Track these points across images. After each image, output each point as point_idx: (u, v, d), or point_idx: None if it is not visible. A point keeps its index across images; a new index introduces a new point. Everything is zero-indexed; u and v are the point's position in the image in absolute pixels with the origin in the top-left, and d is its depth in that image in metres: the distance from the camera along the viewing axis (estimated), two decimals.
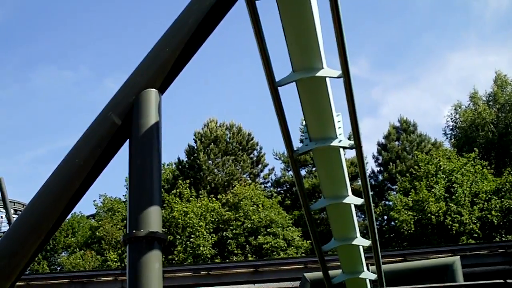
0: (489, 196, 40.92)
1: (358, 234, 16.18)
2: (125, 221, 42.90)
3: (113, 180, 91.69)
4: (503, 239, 37.26)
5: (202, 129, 56.43)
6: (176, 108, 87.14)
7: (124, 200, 51.90)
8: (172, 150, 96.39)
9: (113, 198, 53.67)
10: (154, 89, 14.53)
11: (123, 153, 16.14)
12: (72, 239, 52.72)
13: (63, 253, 53.07)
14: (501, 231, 39.28)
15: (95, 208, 53.62)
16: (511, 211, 39.65)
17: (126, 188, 50.94)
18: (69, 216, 46.12)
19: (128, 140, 14.84)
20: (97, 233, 47.54)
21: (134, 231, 15.55)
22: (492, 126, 53.95)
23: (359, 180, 16.11)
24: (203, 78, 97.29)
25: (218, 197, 46.19)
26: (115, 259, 41.98)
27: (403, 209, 41.68)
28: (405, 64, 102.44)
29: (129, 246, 16.01)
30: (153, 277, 15.90)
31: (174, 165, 56.15)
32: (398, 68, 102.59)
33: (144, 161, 15.40)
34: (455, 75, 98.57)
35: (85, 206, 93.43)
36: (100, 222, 48.86)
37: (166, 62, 14.42)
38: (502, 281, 13.36)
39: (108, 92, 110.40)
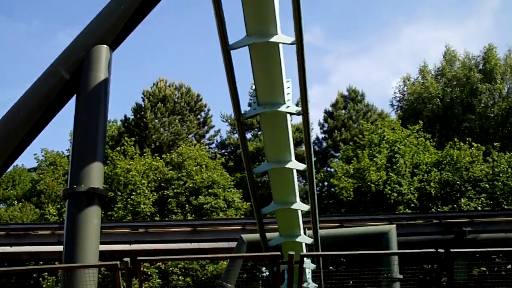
0: (429, 168, 41.61)
1: (297, 199, 16.43)
2: (66, 176, 42.55)
3: (56, 134, 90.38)
4: (438, 210, 37.99)
5: (151, 88, 56.01)
6: (125, 65, 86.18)
7: (67, 154, 51.36)
8: (119, 107, 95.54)
9: (55, 152, 53.07)
10: (105, 46, 14.45)
11: (70, 107, 15.99)
12: (12, 191, 52.07)
13: (1, 205, 52.41)
14: (438, 202, 39.97)
15: (36, 162, 53.01)
16: (449, 183, 40.38)
17: (70, 142, 50.44)
18: (10, 168, 45.48)
19: (75, 95, 14.73)
20: (38, 187, 46.98)
21: (75, 186, 15.62)
22: (438, 100, 54.76)
23: (303, 146, 16.33)
24: (155, 37, 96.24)
25: (163, 156, 46.06)
26: (54, 213, 41.60)
27: (344, 176, 42.12)
28: (359, 34, 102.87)
29: (68, 201, 16.07)
30: (91, 232, 16.01)
31: (119, 122, 55.66)
32: (351, 38, 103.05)
33: (90, 117, 15.38)
34: (407, 48, 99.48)
35: (28, 158, 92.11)
36: (41, 176, 48.26)
37: (120, 19, 14.34)
38: (433, 250, 13.70)
39: (60, 47, 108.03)
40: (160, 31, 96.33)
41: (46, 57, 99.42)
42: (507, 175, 39.60)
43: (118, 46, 15.91)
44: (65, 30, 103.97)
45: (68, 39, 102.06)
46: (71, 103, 16.03)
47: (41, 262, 32.08)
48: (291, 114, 13.53)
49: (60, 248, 17.86)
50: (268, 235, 18.36)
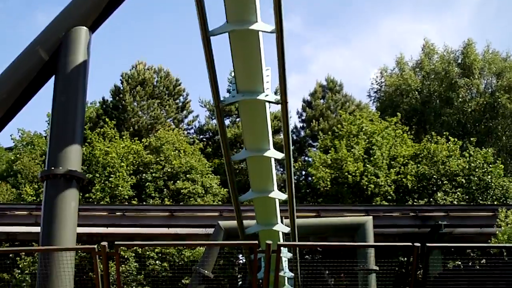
0: (406, 160, 41.78)
1: (275, 187, 16.49)
2: (44, 156, 42.26)
3: (34, 114, 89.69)
4: (415, 203, 38.20)
5: (130, 70, 55.68)
6: (105, 47, 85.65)
7: (45, 135, 51.03)
8: (97, 89, 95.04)
9: (32, 132, 52.71)
10: (84, 27, 14.35)
11: (48, 88, 15.84)
12: None
13: None
14: (414, 195, 40.15)
15: (13, 142, 52.60)
16: (425, 176, 40.58)
17: (48, 123, 50.06)
18: None
19: (54, 76, 14.64)
20: (14, 167, 46.65)
21: (53, 168, 15.57)
22: (416, 93, 54.93)
23: (281, 134, 16.39)
24: (135, 19, 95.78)
25: (142, 140, 45.89)
26: (31, 193, 41.35)
27: (321, 166, 42.16)
28: (339, 24, 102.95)
29: (46, 183, 16.03)
30: (68, 215, 15.99)
31: (98, 104, 55.37)
32: (331, 28, 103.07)
33: (68, 99, 15.31)
34: (386, 39, 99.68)
35: (3, 138, 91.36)
36: (18, 156, 47.92)
37: (100, 0, 14.22)
38: (409, 244, 13.82)
39: (38, 26, 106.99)
40: (140, 13, 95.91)
41: (24, 36, 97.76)
42: (483, 170, 39.85)
43: (98, 28, 15.84)
44: (43, 8, 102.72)
45: (46, 19, 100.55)
46: (49, 84, 16.02)
47: (17, 243, 31.97)
48: (270, 102, 13.55)
49: (37, 229, 17.84)
50: (245, 222, 18.40)
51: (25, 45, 15.53)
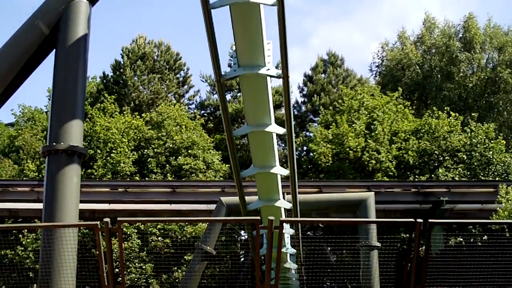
0: (407, 136, 41.71)
1: (277, 163, 16.44)
2: (45, 132, 42.20)
3: (35, 89, 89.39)
4: (416, 179, 38.18)
5: (130, 44, 55.43)
6: (105, 21, 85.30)
7: (46, 110, 50.96)
8: (97, 64, 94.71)
9: (33, 108, 52.66)
10: (84, 0, 14.20)
11: (49, 62, 15.70)
12: None
13: None
14: (416, 171, 40.11)
15: (14, 118, 52.56)
16: (427, 152, 40.52)
17: (48, 98, 49.95)
18: None
19: (54, 51, 14.53)
20: (16, 142, 46.61)
21: (54, 143, 15.52)
22: (417, 67, 54.78)
23: (283, 109, 16.31)
24: None
25: (142, 115, 45.76)
26: (33, 169, 41.34)
27: (322, 142, 42.11)
28: None
29: (48, 158, 16.00)
30: (70, 191, 15.94)
31: (98, 79, 55.19)
32: (332, 1, 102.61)
33: (69, 74, 15.21)
34: (388, 13, 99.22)
35: (4, 114, 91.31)
36: (19, 132, 47.86)
37: None
38: (411, 220, 13.78)
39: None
40: None
41: (24, 9, 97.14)
42: (484, 146, 39.75)
43: (98, 1, 15.71)
44: None
45: None
46: (50, 58, 15.91)
47: (19, 219, 32.00)
48: (272, 77, 13.47)
49: (39, 205, 17.83)
50: (247, 198, 18.38)
51: (25, 18, 15.44)
